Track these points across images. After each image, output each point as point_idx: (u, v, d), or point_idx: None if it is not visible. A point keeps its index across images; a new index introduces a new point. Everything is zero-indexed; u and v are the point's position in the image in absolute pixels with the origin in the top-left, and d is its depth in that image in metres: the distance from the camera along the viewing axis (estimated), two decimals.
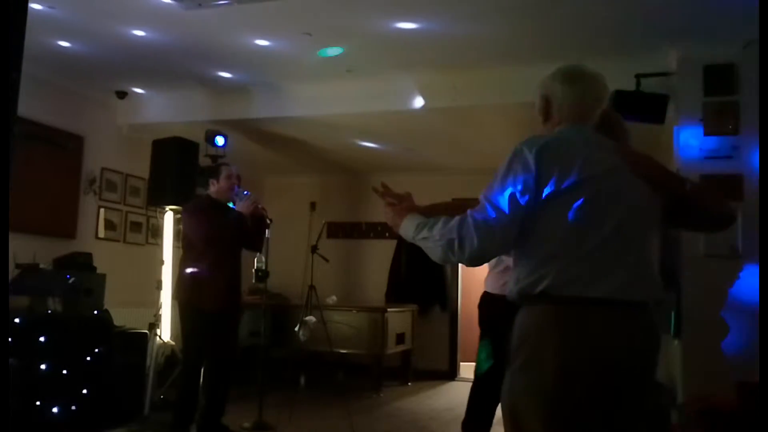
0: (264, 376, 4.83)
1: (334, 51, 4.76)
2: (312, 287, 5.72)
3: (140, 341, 5.03)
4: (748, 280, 4.03)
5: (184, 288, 4.28)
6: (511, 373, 1.68)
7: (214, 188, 4.41)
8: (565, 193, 1.63)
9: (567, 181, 1.63)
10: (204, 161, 5.78)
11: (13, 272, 4.62)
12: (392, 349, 6.79)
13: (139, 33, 4.54)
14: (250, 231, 4.38)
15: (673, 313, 4.24)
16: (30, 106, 4.74)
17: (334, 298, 7.09)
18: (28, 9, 1.47)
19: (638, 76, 4.37)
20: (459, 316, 8.07)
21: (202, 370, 4.24)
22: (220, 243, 4.23)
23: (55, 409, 4.23)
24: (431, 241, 1.71)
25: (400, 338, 6.96)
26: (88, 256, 5.16)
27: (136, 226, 6.49)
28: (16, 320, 4.16)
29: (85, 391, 4.43)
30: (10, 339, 3.94)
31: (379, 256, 8.14)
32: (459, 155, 7.08)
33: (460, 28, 4.32)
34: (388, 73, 5.24)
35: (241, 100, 5.83)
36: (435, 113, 5.50)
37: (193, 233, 4.27)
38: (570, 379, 1.57)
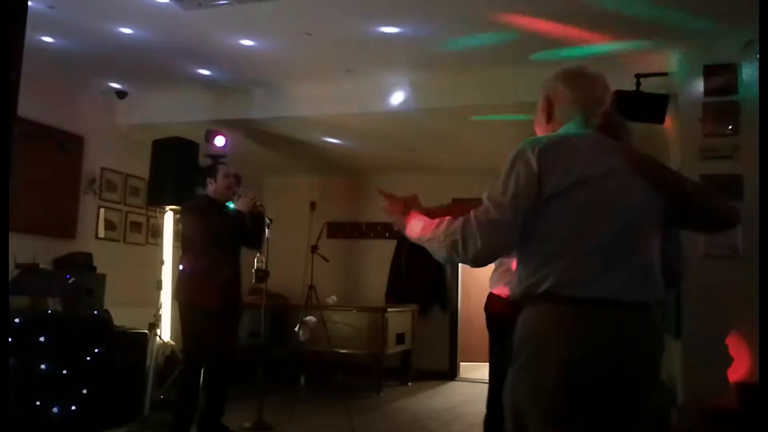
0: (264, 376, 4.84)
1: None
2: (312, 287, 5.73)
3: (140, 341, 5.04)
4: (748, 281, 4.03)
5: (183, 287, 4.28)
6: (513, 373, 1.69)
7: (212, 187, 4.42)
8: (566, 193, 1.64)
9: (568, 181, 1.63)
10: (204, 161, 5.78)
11: (13, 272, 4.62)
12: (392, 349, 6.79)
13: (140, 33, 4.53)
14: (250, 229, 4.38)
15: (673, 313, 4.24)
16: (30, 106, 4.75)
17: (334, 298, 7.09)
18: (28, 9, 1.47)
19: (638, 76, 4.36)
20: (459, 316, 8.07)
21: (202, 370, 4.25)
22: (219, 242, 4.23)
23: (55, 409, 4.24)
24: (436, 242, 1.74)
25: (400, 338, 6.96)
26: (88, 256, 5.17)
27: (136, 226, 6.49)
28: (16, 320, 4.16)
29: (85, 391, 4.44)
30: (10, 339, 3.94)
31: (379, 256, 8.13)
32: (459, 155, 7.08)
33: (458, 29, 4.33)
34: (388, 73, 5.24)
35: (241, 100, 5.83)
36: (435, 113, 5.50)
37: (191, 232, 4.28)
38: (571, 379, 1.57)
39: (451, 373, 7.89)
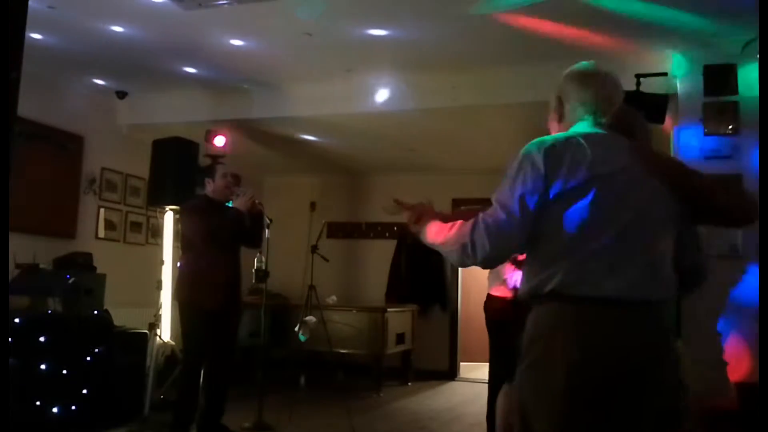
0: (264, 376, 4.83)
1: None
2: (312, 287, 5.72)
3: (140, 341, 5.03)
4: (748, 280, 4.03)
5: (183, 287, 4.28)
6: (521, 372, 1.69)
7: (210, 187, 4.42)
8: (572, 193, 1.64)
9: (575, 180, 1.63)
10: (204, 161, 5.78)
11: (13, 272, 4.62)
12: (392, 349, 6.79)
13: (139, 33, 4.53)
14: (249, 228, 4.38)
15: (673, 313, 4.23)
16: (30, 106, 4.75)
17: (334, 298, 7.09)
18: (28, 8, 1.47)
19: (638, 76, 4.36)
20: (459, 316, 8.06)
21: (202, 370, 4.25)
22: (219, 242, 4.23)
23: (55, 409, 4.23)
24: (448, 246, 1.76)
25: (400, 338, 6.95)
26: (88, 256, 5.17)
27: (136, 226, 6.49)
28: (16, 320, 4.16)
29: (85, 391, 4.43)
30: (10, 339, 3.94)
31: (379, 256, 8.13)
32: (459, 155, 7.07)
33: (458, 30, 4.32)
34: (388, 73, 5.24)
35: (241, 100, 5.83)
36: (435, 113, 5.50)
37: (191, 232, 4.28)
38: (579, 379, 1.57)
39: (451, 373, 7.89)
